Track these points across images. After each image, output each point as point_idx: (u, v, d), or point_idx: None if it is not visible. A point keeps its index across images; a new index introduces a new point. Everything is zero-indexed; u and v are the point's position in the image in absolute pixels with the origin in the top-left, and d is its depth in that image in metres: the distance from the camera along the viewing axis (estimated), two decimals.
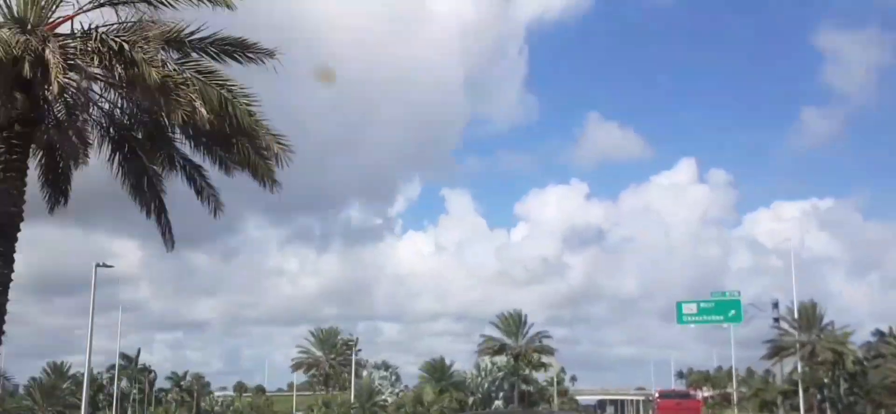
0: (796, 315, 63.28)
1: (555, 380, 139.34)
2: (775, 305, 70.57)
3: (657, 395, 43.54)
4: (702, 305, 72.15)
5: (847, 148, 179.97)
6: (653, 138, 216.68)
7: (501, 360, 77.63)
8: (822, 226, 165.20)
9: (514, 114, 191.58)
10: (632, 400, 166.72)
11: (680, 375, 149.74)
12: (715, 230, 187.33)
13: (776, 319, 69.75)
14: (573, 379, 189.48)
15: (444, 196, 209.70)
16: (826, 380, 61.84)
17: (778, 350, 65.43)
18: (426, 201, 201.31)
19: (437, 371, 72.16)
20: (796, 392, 65.68)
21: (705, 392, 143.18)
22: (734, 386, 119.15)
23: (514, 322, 72.73)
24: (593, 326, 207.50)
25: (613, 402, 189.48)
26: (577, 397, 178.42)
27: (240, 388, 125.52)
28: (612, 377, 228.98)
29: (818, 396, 61.91)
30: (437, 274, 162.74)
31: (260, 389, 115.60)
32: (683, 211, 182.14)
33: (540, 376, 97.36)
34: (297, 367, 79.20)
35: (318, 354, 78.42)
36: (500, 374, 78.68)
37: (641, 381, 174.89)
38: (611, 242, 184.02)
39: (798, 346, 62.60)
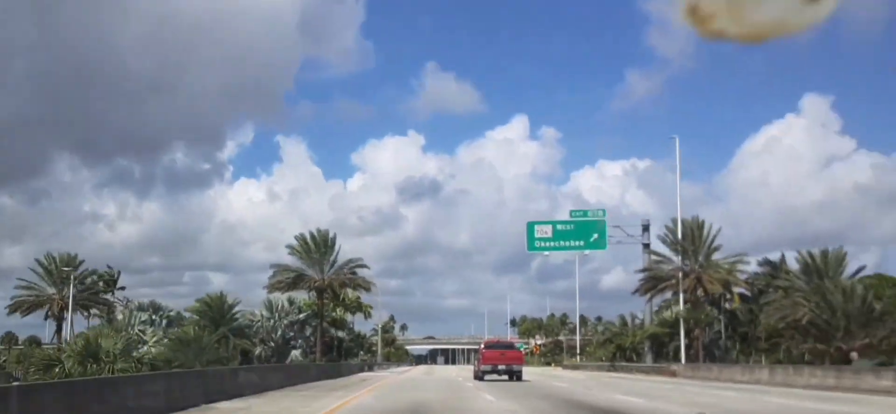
0: (680, 235, 49.23)
1: (379, 328, 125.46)
2: (645, 228, 56.81)
3: (482, 346, 42.96)
4: (559, 226, 57.06)
5: (666, 108, 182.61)
6: (488, 93, 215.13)
7: (302, 297, 59.48)
8: (640, 185, 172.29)
9: (350, 60, 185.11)
10: (462, 349, 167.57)
11: (513, 323, 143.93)
12: (544, 186, 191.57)
13: (646, 246, 56.06)
14: (403, 328, 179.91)
15: (279, 143, 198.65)
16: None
17: (654, 282, 51.38)
18: (260, 148, 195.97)
19: (214, 311, 52.68)
20: (672, 335, 52.34)
21: (538, 340, 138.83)
22: (578, 331, 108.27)
23: (317, 246, 54.44)
24: (428, 277, 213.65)
25: (445, 351, 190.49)
26: (408, 347, 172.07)
27: (8, 339, 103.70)
28: (445, 328, 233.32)
29: (705, 340, 48.34)
30: (270, 223, 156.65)
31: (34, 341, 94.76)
32: (515, 166, 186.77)
33: (361, 323, 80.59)
34: (16, 308, 57.25)
35: (50, 290, 57.08)
36: (300, 315, 60.51)
37: (475, 331, 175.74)
38: (446, 194, 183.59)
39: (681, 275, 48.72)
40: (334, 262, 55.33)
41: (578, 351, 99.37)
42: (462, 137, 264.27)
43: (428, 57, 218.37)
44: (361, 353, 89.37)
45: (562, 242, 56.71)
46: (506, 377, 36.37)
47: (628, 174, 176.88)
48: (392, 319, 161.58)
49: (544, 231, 56.72)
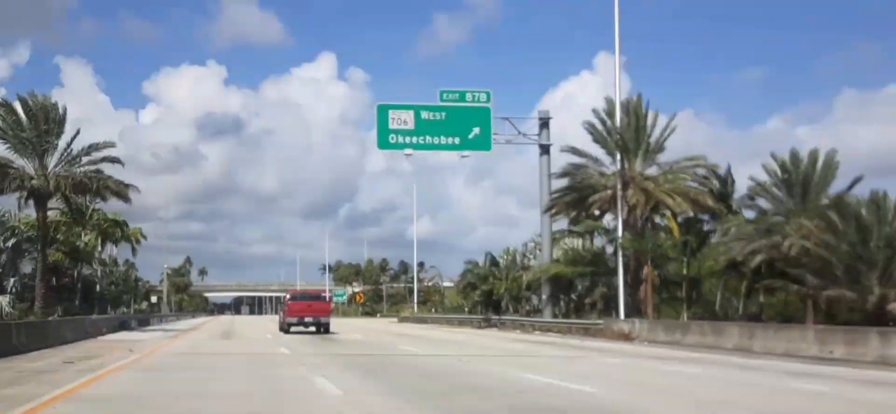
0: (618, 122, 32.28)
1: (165, 270, 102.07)
2: (544, 123, 39.84)
3: (288, 297, 39.55)
4: (424, 114, 38.76)
5: (472, 56, 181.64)
6: (294, 25, 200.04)
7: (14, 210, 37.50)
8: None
9: None
10: (270, 297, 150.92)
11: (328, 269, 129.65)
12: (352, 130, 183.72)
13: (545, 148, 39.18)
14: (202, 273, 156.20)
15: (59, 65, 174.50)
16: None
17: (577, 197, 34.42)
18: (36, 70, 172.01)
19: None
20: (592, 279, 36.14)
21: (356, 288, 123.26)
22: (415, 278, 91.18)
23: (33, 120, 32.69)
24: (231, 222, 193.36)
25: (251, 300, 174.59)
26: (208, 294, 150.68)
27: None
28: (252, 275, 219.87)
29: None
30: None
31: None
32: (323, 108, 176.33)
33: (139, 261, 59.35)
34: None
35: None
36: (11, 241, 38.37)
37: (285, 278, 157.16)
38: (250, 133, 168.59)
39: (620, 185, 31.97)
40: (69, 151, 33.76)
41: (416, 301, 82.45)
42: (266, 72, 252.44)
43: None
44: (133, 301, 67.55)
45: (428, 138, 38.46)
46: (313, 329, 34.69)
47: None
48: (188, 261, 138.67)
49: (403, 120, 38.18)
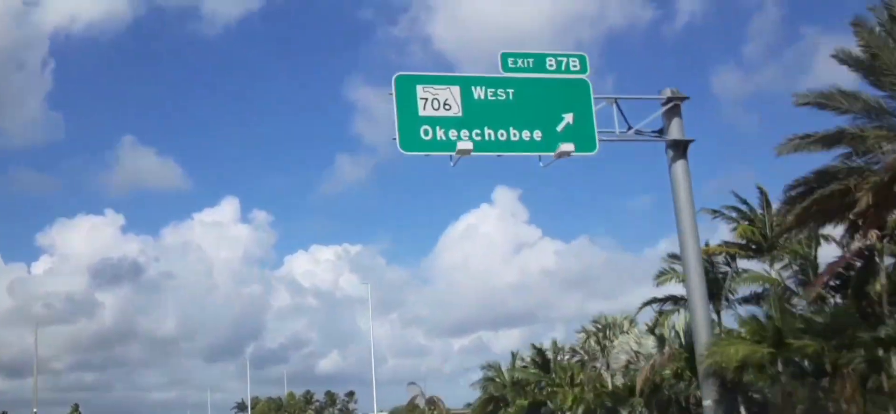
0: None
1: None
2: (673, 110, 23.57)
3: None
4: (477, 91, 22.16)
5: (374, 195, 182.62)
6: (194, 171, 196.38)
7: None
8: (353, 268, 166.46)
9: (35, 131, 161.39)
10: None
11: (241, 407, 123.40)
12: (257, 270, 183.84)
13: (680, 146, 22.90)
14: None
15: None
16: None
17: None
18: None
19: None
20: None
21: None
22: (374, 394, 71.96)
23: None
24: (129, 369, 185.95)
25: None
26: None
27: None
28: None
29: None
30: None
31: None
32: (226, 250, 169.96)
33: None
34: None
35: None
36: None
37: None
38: (149, 278, 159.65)
39: None
40: None
41: None
42: (167, 218, 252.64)
43: (125, 130, 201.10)
44: None
45: (489, 131, 21.73)
46: None
47: (341, 259, 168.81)
48: (76, 409, 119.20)
49: (443, 102, 21.57)
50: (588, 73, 23.07)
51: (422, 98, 21.80)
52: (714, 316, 28.25)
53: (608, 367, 32.04)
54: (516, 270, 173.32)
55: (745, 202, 30.54)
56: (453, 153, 21.69)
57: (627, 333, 32.75)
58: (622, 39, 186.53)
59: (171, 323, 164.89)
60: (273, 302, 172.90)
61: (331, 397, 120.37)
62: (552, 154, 22.20)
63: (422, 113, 21.68)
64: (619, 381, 30.39)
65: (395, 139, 22.12)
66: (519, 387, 37.29)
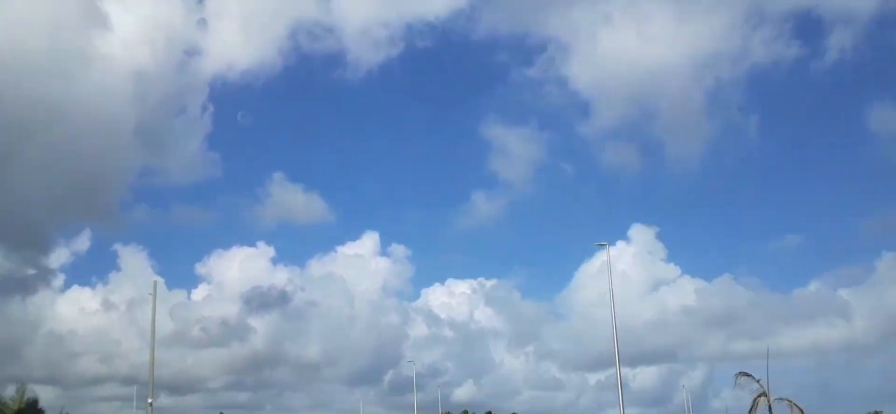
0: None
1: None
2: None
3: None
4: None
5: (510, 230, 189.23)
6: (337, 207, 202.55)
7: None
8: (488, 302, 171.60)
9: (194, 170, 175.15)
10: None
11: None
12: (395, 301, 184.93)
13: None
14: None
15: (116, 251, 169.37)
16: None
17: None
18: (95, 256, 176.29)
19: None
20: None
21: None
22: None
23: None
24: (277, 390, 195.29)
25: None
26: None
27: None
28: None
29: None
30: (104, 334, 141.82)
31: None
32: (366, 281, 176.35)
33: None
34: None
35: None
36: None
37: None
38: (295, 306, 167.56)
39: None
40: None
41: None
42: (313, 251, 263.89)
43: (275, 168, 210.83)
44: None
45: None
46: None
47: (476, 292, 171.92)
48: None
49: None
50: None
51: None
52: None
53: None
54: (654, 307, 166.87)
55: None
56: None
57: None
58: (765, 77, 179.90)
59: (315, 349, 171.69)
60: (410, 332, 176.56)
61: None
62: None
63: None
64: None
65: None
66: None
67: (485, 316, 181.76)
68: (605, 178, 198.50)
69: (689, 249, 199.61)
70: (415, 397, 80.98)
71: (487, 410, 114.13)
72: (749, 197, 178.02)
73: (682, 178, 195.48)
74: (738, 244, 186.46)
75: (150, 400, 26.37)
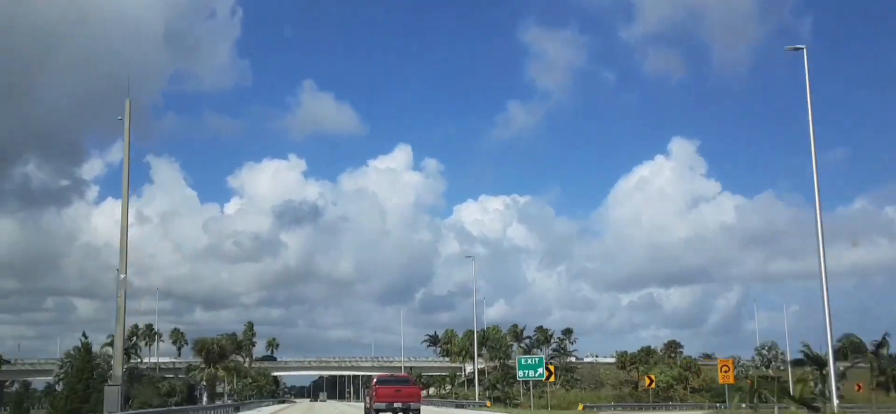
0: None
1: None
2: None
3: (375, 381, 37.81)
4: None
5: (546, 143, 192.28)
6: (369, 118, 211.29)
7: None
8: (521, 218, 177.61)
9: (224, 76, 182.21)
10: (353, 377, 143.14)
11: (433, 340, 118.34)
12: (428, 217, 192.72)
13: None
14: (272, 345, 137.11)
15: (149, 163, 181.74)
16: None
17: None
18: (130, 168, 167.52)
19: None
20: None
21: (480, 364, 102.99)
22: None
23: None
24: (309, 306, 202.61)
25: (332, 380, 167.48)
26: (279, 373, 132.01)
27: None
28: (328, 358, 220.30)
29: None
30: (138, 247, 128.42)
31: None
32: (398, 196, 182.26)
33: None
34: None
35: None
36: None
37: (376, 353, 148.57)
38: (327, 221, 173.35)
39: None
40: None
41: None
42: (344, 164, 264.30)
43: (306, 75, 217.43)
44: None
45: None
46: None
47: (509, 208, 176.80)
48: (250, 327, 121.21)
49: None
50: None
51: None
52: None
53: None
54: (692, 225, 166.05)
55: None
56: None
57: None
58: None
59: (346, 265, 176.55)
60: (442, 250, 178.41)
61: (543, 333, 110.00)
62: None
63: None
64: None
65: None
66: None
67: (518, 233, 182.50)
68: (647, 87, 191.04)
69: (730, 164, 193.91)
70: (473, 301, 79.43)
71: (513, 323, 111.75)
72: (796, 108, 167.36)
73: (727, 88, 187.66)
74: (781, 159, 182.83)
75: (122, 275, 24.85)
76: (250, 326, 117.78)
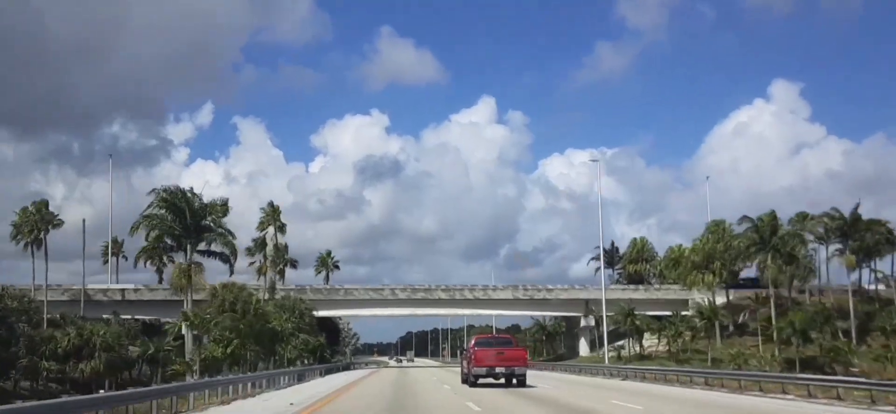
0: None
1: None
2: None
3: (473, 343, 34.03)
4: None
5: (636, 87, 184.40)
6: (451, 65, 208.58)
7: None
8: (609, 171, 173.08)
9: (303, 28, 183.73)
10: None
11: (604, 253, 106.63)
12: (512, 171, 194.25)
13: None
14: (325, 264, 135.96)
15: (236, 125, 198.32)
16: None
17: None
18: (217, 131, 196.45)
19: None
20: None
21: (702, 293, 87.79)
22: None
23: None
24: (395, 263, 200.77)
25: (421, 338, 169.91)
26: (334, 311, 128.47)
27: None
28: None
29: None
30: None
31: None
32: (482, 151, 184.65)
33: None
34: None
35: None
36: None
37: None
38: (409, 176, 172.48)
39: None
40: None
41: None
42: (427, 119, 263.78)
43: (384, 21, 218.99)
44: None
45: None
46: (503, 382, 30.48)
47: (596, 161, 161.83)
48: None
49: None
50: None
51: None
52: None
53: None
54: (794, 172, 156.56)
55: None
56: None
57: None
58: None
59: (430, 222, 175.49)
60: (527, 204, 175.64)
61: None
62: None
63: None
64: None
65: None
66: None
67: (606, 186, 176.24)
68: (747, 24, 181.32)
69: (837, 106, 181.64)
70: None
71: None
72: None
73: (835, 22, 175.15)
74: (894, 98, 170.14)
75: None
76: (328, 256, 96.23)
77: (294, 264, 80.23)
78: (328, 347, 78.09)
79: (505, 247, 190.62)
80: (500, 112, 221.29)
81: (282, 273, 77.23)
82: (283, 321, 53.80)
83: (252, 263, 67.81)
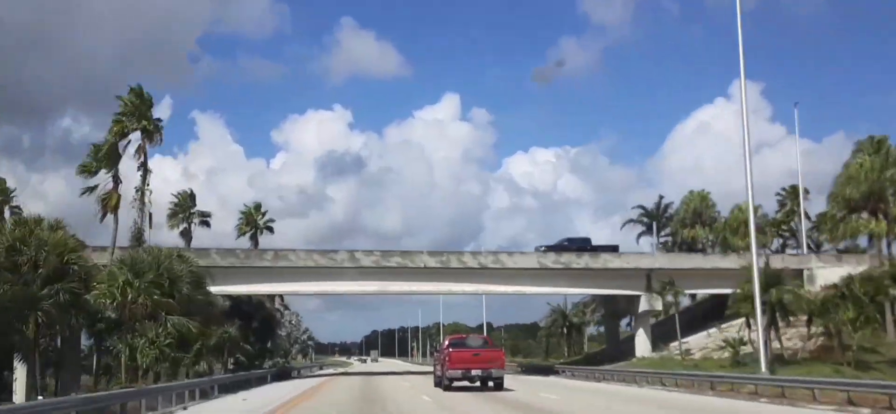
0: None
1: None
2: None
3: (447, 344, 32.19)
4: None
5: (600, 83, 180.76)
6: (413, 59, 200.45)
7: None
8: (573, 169, 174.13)
9: (263, 21, 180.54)
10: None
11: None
12: (476, 169, 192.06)
13: None
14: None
15: (195, 119, 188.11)
16: None
17: None
18: (176, 126, 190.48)
19: None
20: None
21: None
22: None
23: None
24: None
25: (388, 337, 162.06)
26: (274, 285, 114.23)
27: None
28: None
29: None
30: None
31: None
32: (446, 149, 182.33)
33: None
34: None
35: None
36: None
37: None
38: (371, 173, 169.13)
39: None
40: None
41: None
42: (390, 116, 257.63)
43: (344, 12, 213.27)
44: None
45: None
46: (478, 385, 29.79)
47: (560, 159, 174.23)
48: None
49: None
50: None
51: None
52: None
53: None
54: (755, 172, 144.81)
55: None
56: None
57: None
58: None
59: (394, 219, 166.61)
60: (491, 202, 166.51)
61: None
62: None
63: None
64: None
65: None
66: None
67: (569, 185, 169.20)
68: (709, 21, 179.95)
69: (798, 106, 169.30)
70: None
71: None
72: (872, 42, 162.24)
73: (795, 21, 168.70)
74: (855, 99, 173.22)
75: None
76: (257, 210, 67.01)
77: (206, 220, 59.30)
78: (255, 345, 52.72)
79: (470, 245, 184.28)
80: (464, 109, 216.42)
81: (187, 233, 61.22)
82: (121, 285, 26.84)
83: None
